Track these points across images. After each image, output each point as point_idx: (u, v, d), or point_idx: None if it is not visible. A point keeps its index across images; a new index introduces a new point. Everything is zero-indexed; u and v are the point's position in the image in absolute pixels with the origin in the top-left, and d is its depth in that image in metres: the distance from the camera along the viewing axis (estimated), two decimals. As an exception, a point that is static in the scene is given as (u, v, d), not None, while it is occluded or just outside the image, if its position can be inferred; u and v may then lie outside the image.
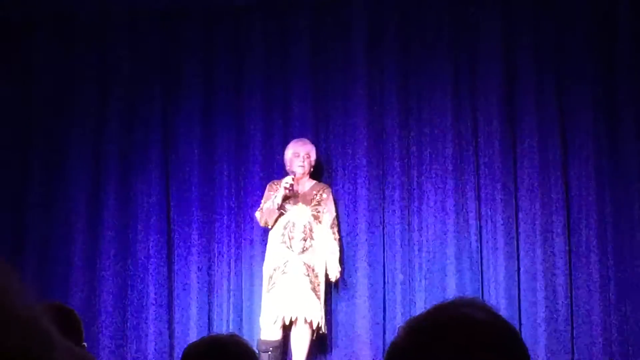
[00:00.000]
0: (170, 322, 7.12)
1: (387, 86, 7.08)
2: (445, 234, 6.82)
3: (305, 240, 6.60)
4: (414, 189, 6.95)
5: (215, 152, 7.26)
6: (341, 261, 6.72)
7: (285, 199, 6.67)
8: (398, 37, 7.11)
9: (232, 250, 7.10)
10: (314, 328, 6.53)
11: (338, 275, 6.62)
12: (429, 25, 7.07)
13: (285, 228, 6.65)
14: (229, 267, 7.08)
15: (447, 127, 6.94)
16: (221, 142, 7.25)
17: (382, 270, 6.89)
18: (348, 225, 6.96)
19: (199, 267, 7.12)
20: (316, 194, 6.76)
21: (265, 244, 6.86)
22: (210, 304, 7.09)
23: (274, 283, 6.54)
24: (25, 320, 0.84)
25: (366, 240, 6.92)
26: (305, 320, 6.47)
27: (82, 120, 7.39)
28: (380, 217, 6.96)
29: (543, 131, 6.84)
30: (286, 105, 7.22)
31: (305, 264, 6.55)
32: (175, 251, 7.19)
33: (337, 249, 6.69)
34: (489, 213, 6.82)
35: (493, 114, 6.91)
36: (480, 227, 6.82)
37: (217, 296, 7.08)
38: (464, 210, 6.84)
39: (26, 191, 7.39)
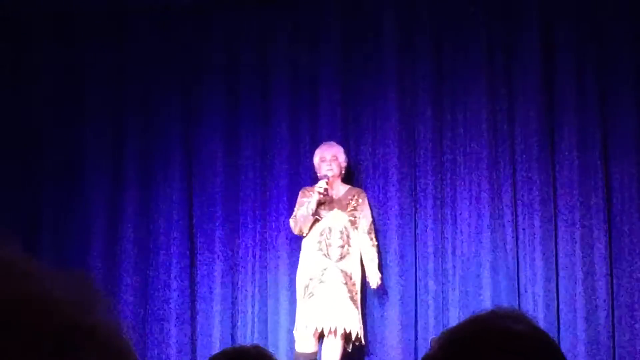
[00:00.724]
0: (192, 332, 6.97)
1: (419, 87, 6.89)
2: (480, 241, 6.60)
3: (342, 247, 6.41)
4: (447, 195, 6.73)
5: (239, 156, 7.08)
6: (380, 267, 6.54)
7: (320, 204, 6.48)
8: (430, 36, 6.91)
9: (257, 258, 6.92)
10: (353, 339, 6.34)
11: (379, 282, 6.44)
12: (463, 25, 6.85)
13: (321, 235, 6.45)
14: (254, 276, 6.90)
15: (482, 131, 6.73)
16: (246, 146, 7.07)
17: (414, 279, 6.69)
18: (378, 232, 6.73)
19: (222, 275, 6.95)
20: (351, 199, 6.57)
21: (292, 251, 6.70)
22: (234, 313, 6.91)
23: (310, 293, 6.34)
24: (112, 342, 0.80)
25: (397, 247, 6.72)
26: (345, 331, 6.29)
27: (100, 122, 7.26)
28: (412, 223, 6.76)
29: (583, 135, 6.61)
30: (314, 107, 7.04)
31: (343, 271, 6.36)
32: (198, 259, 7.03)
33: (376, 255, 6.51)
34: (526, 219, 6.60)
35: (531, 117, 6.68)
36: (517, 233, 6.61)
37: (241, 305, 6.90)
38: (500, 216, 6.63)
39: (42, 196, 7.26)
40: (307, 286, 6.38)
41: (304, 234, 6.53)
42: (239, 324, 6.92)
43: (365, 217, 6.57)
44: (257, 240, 6.96)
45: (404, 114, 6.90)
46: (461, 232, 6.68)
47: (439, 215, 6.75)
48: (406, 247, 6.75)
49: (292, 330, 6.48)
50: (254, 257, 6.94)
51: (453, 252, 6.67)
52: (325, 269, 6.36)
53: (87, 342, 0.78)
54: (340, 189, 6.64)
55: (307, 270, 6.42)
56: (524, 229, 6.62)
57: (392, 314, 6.68)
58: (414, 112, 6.90)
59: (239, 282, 6.96)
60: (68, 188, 7.24)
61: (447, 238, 6.70)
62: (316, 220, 6.51)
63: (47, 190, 7.29)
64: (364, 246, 6.49)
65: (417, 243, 6.76)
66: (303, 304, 6.38)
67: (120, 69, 7.32)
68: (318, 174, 6.63)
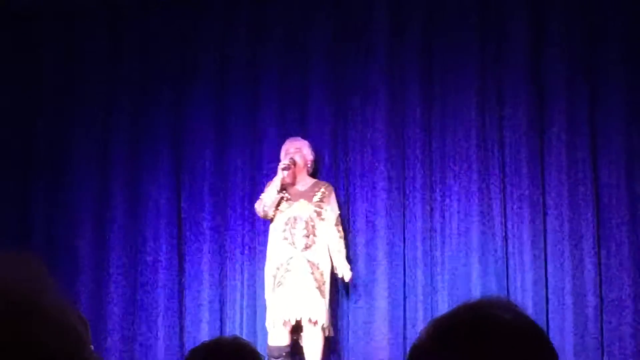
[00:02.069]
0: (180, 325, 6.97)
1: (409, 84, 6.89)
2: (469, 236, 6.60)
3: (307, 236, 6.45)
4: (436, 188, 6.74)
5: (228, 151, 7.10)
6: (348, 259, 6.56)
7: (283, 188, 6.54)
8: (421, 32, 6.92)
9: (246, 250, 6.92)
10: (319, 329, 6.35)
11: (350, 273, 6.46)
12: (454, 20, 6.86)
13: (286, 224, 6.50)
14: (242, 267, 6.90)
15: (471, 127, 6.73)
16: (235, 141, 7.09)
17: (403, 273, 6.68)
18: (367, 226, 6.77)
19: (210, 267, 6.96)
20: (317, 191, 6.63)
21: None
22: (222, 308, 6.92)
23: (279, 282, 6.38)
24: (58, 318, 0.85)
25: (386, 241, 6.72)
26: (310, 321, 6.31)
27: (89, 118, 7.26)
28: (401, 217, 6.76)
29: (572, 130, 6.61)
30: (303, 103, 7.05)
31: (309, 261, 6.40)
32: (186, 254, 7.04)
33: (344, 246, 6.55)
34: (515, 214, 6.60)
35: (520, 113, 6.69)
36: (506, 228, 6.61)
37: (229, 300, 6.91)
38: (489, 210, 6.63)
39: (30, 194, 7.26)
40: (274, 276, 6.42)
41: (269, 216, 6.56)
42: (227, 316, 6.91)
43: (332, 209, 6.62)
44: (245, 232, 6.96)
45: (394, 110, 6.89)
46: (450, 226, 6.67)
47: (428, 209, 6.74)
48: (395, 242, 6.74)
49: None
50: (242, 249, 6.95)
51: (442, 247, 6.67)
52: (291, 258, 6.40)
53: (40, 321, 0.82)
54: (307, 181, 6.71)
55: (275, 260, 6.47)
56: (512, 219, 6.62)
57: (381, 308, 6.67)
58: (403, 108, 6.89)
59: (228, 274, 6.96)
60: (57, 179, 7.24)
61: (436, 232, 6.69)
62: (280, 206, 6.52)
63: (36, 183, 7.29)
64: (331, 238, 6.53)
65: (405, 237, 6.75)
66: (273, 295, 6.41)
67: (112, 63, 7.32)
68: None
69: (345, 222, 6.82)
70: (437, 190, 6.75)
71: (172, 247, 7.05)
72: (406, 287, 6.68)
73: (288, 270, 6.37)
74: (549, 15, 6.77)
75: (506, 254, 6.58)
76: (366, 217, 6.79)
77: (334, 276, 6.52)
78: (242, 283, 6.90)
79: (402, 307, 6.65)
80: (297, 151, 6.66)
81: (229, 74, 7.16)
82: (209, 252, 6.99)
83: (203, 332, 6.84)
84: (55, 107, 7.32)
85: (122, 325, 7.01)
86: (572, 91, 6.66)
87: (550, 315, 6.45)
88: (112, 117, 7.27)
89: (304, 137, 6.90)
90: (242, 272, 6.90)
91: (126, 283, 7.06)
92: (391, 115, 6.89)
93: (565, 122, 6.64)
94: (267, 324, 6.45)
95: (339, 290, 6.74)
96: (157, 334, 6.95)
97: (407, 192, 6.80)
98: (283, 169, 6.53)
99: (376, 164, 6.85)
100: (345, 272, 6.44)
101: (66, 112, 7.30)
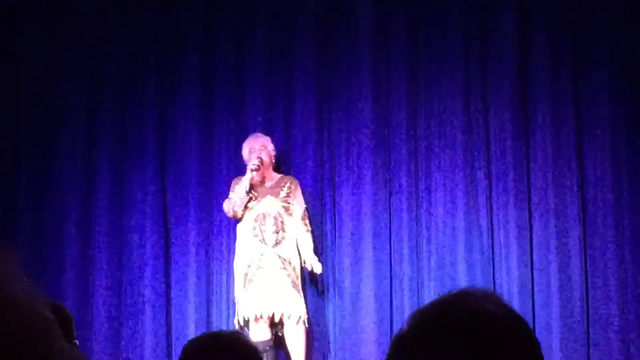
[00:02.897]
0: (168, 323, 6.96)
1: (394, 77, 6.90)
2: (455, 228, 6.62)
3: (277, 232, 6.47)
4: (422, 181, 6.76)
5: (213, 147, 7.09)
6: (316, 252, 6.59)
7: (252, 188, 6.56)
8: (406, 26, 6.93)
9: (231, 249, 6.87)
10: (296, 323, 6.36)
11: (319, 266, 6.46)
12: (438, 13, 6.88)
13: (255, 221, 6.51)
14: (228, 266, 6.86)
15: (457, 122, 6.75)
16: (220, 138, 7.09)
17: (389, 266, 6.70)
18: (352, 221, 6.77)
19: (196, 266, 6.95)
20: (284, 186, 6.65)
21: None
22: (209, 303, 6.91)
23: (250, 279, 6.39)
24: (26, 308, 0.84)
25: (372, 237, 6.73)
26: (289, 317, 6.33)
27: (74, 116, 7.23)
28: (387, 211, 6.77)
29: (557, 120, 6.64)
30: (288, 99, 7.05)
31: (280, 257, 6.42)
32: (172, 250, 7.03)
33: (311, 240, 6.58)
34: (501, 207, 6.63)
35: (505, 105, 6.71)
36: (492, 221, 6.63)
37: (215, 295, 6.90)
38: (475, 203, 6.65)
39: (15, 192, 7.23)
40: (246, 274, 6.43)
41: (238, 216, 6.58)
42: (213, 314, 6.91)
43: (298, 203, 6.64)
44: (231, 229, 6.92)
45: (379, 105, 6.90)
46: (436, 221, 6.68)
47: (414, 204, 6.75)
48: (380, 237, 6.75)
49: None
50: (228, 245, 6.93)
51: (428, 241, 6.68)
52: (262, 255, 6.42)
53: (7, 309, 0.82)
54: (272, 177, 6.72)
55: (245, 257, 6.48)
56: (498, 211, 6.64)
57: (367, 304, 6.67)
58: (388, 103, 6.90)
59: (214, 270, 6.95)
60: (42, 178, 7.21)
61: (422, 227, 6.70)
62: (250, 199, 6.54)
63: (21, 182, 7.25)
64: (299, 233, 6.56)
65: (391, 233, 6.76)
66: (243, 292, 6.41)
67: (97, 62, 7.29)
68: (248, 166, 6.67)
69: (331, 215, 6.85)
70: (423, 182, 6.76)
71: (158, 243, 7.03)
72: (392, 280, 6.69)
73: (260, 267, 6.38)
74: (535, 8, 6.80)
75: (492, 245, 6.60)
76: (352, 210, 6.79)
77: (309, 271, 6.55)
78: (228, 279, 6.86)
79: (388, 300, 6.66)
80: (262, 149, 6.67)
81: (215, 71, 7.14)
82: (196, 249, 6.98)
83: (190, 328, 6.84)
84: (40, 106, 7.27)
85: (109, 321, 6.98)
86: (556, 84, 6.69)
87: (536, 307, 6.47)
88: (97, 115, 7.23)
89: (290, 134, 6.94)
90: (228, 269, 6.86)
91: (112, 279, 7.03)
92: (377, 109, 6.89)
93: (550, 118, 6.65)
94: (235, 321, 6.47)
95: (324, 285, 6.76)
96: (144, 328, 6.93)
97: (393, 185, 6.80)
98: (253, 170, 6.54)
99: (362, 159, 6.85)
100: (314, 265, 6.45)
101: (51, 111, 7.26)
